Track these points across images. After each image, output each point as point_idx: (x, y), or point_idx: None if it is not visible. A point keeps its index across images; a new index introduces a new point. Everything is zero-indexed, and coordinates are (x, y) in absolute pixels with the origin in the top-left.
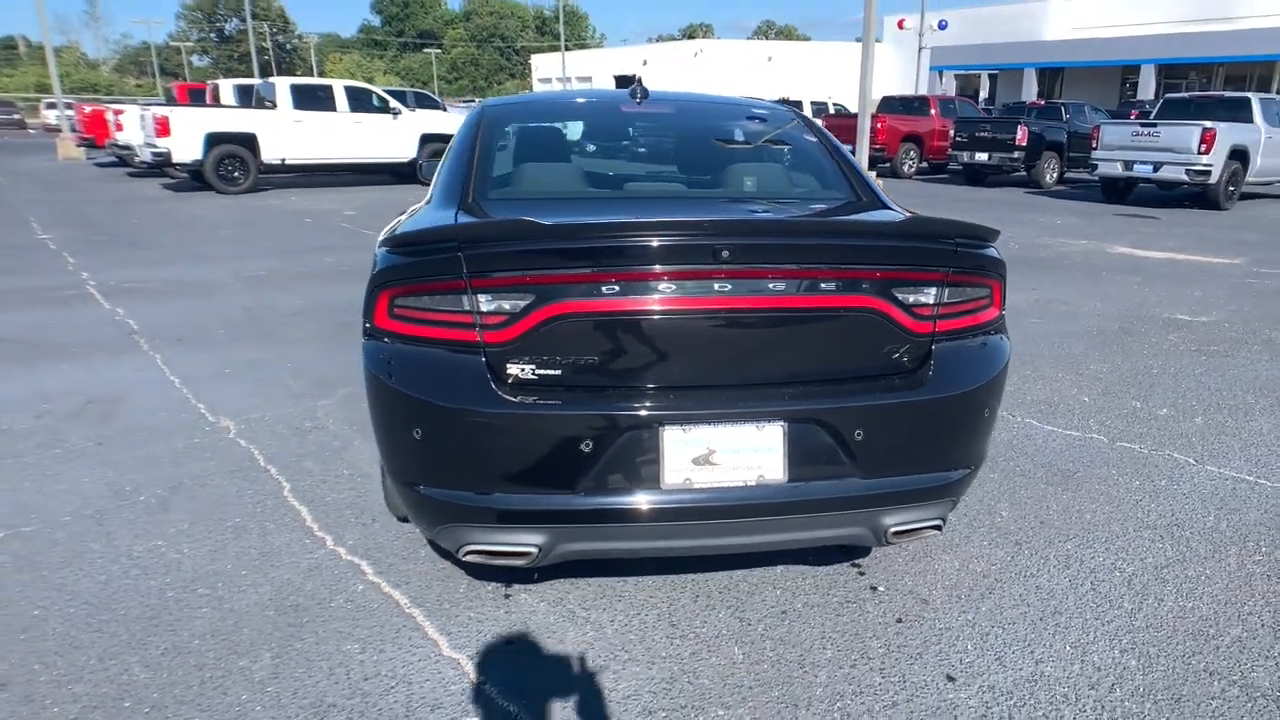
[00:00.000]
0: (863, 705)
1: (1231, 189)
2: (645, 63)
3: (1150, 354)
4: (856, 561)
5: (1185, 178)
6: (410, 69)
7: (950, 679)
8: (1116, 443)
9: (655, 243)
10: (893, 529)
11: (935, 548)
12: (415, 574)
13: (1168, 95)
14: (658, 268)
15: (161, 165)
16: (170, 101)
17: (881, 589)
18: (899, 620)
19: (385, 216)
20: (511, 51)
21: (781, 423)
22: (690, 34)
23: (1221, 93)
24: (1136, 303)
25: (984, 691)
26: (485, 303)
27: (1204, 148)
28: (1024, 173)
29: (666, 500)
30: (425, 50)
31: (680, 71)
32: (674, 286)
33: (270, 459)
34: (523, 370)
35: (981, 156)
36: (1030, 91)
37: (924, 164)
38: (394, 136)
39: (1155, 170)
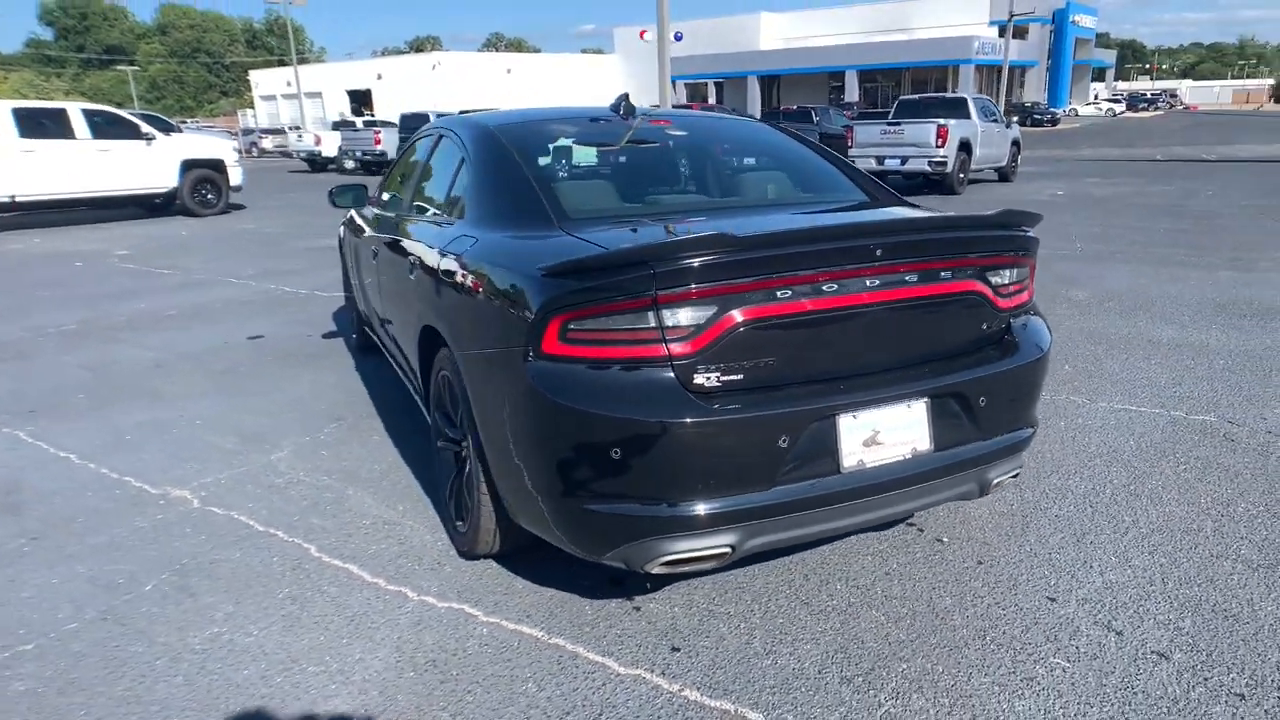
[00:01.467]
0: (1008, 633)
1: (962, 175)
2: (380, 76)
3: None
4: (910, 522)
5: (928, 168)
6: (99, 88)
7: (1051, 599)
8: None
9: (824, 246)
10: (994, 480)
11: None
12: (527, 607)
13: (901, 98)
14: (824, 269)
15: None
16: None
17: (945, 540)
18: (980, 563)
19: (169, 255)
20: (221, 67)
21: (925, 399)
22: (418, 46)
23: (943, 94)
24: None
25: (1081, 603)
26: (670, 317)
27: (940, 141)
28: None
29: (844, 483)
30: (116, 67)
31: (418, 84)
32: (836, 286)
33: (269, 522)
34: (709, 379)
35: None
36: (754, 98)
37: None
38: (148, 165)
39: (903, 163)
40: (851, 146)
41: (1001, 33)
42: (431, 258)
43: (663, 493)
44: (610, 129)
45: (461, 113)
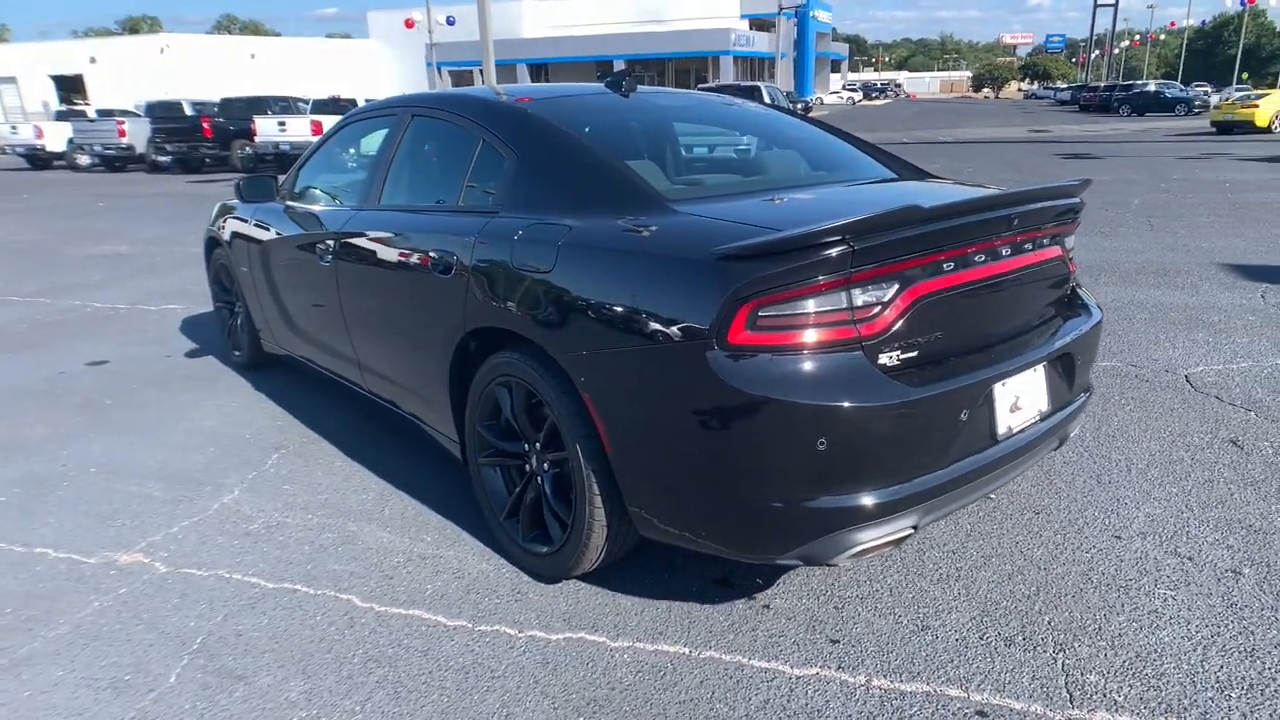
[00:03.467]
0: (1107, 573)
1: None
2: (94, 60)
3: None
4: None
5: (733, 155)
6: None
7: (1117, 537)
8: None
9: (985, 217)
10: (1071, 434)
11: None
12: (650, 624)
13: (699, 87)
14: (978, 240)
15: None
16: None
17: (994, 498)
18: (1036, 514)
19: None
20: None
21: (1044, 362)
22: (133, 28)
23: (738, 83)
24: None
25: (1143, 537)
26: (859, 296)
27: None
28: None
29: (999, 451)
30: None
31: (143, 70)
32: (984, 256)
33: (278, 577)
34: (891, 358)
35: None
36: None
37: None
38: None
39: (711, 151)
40: None
41: (753, 25)
42: (489, 251)
43: (859, 481)
44: (641, 105)
45: (257, 97)
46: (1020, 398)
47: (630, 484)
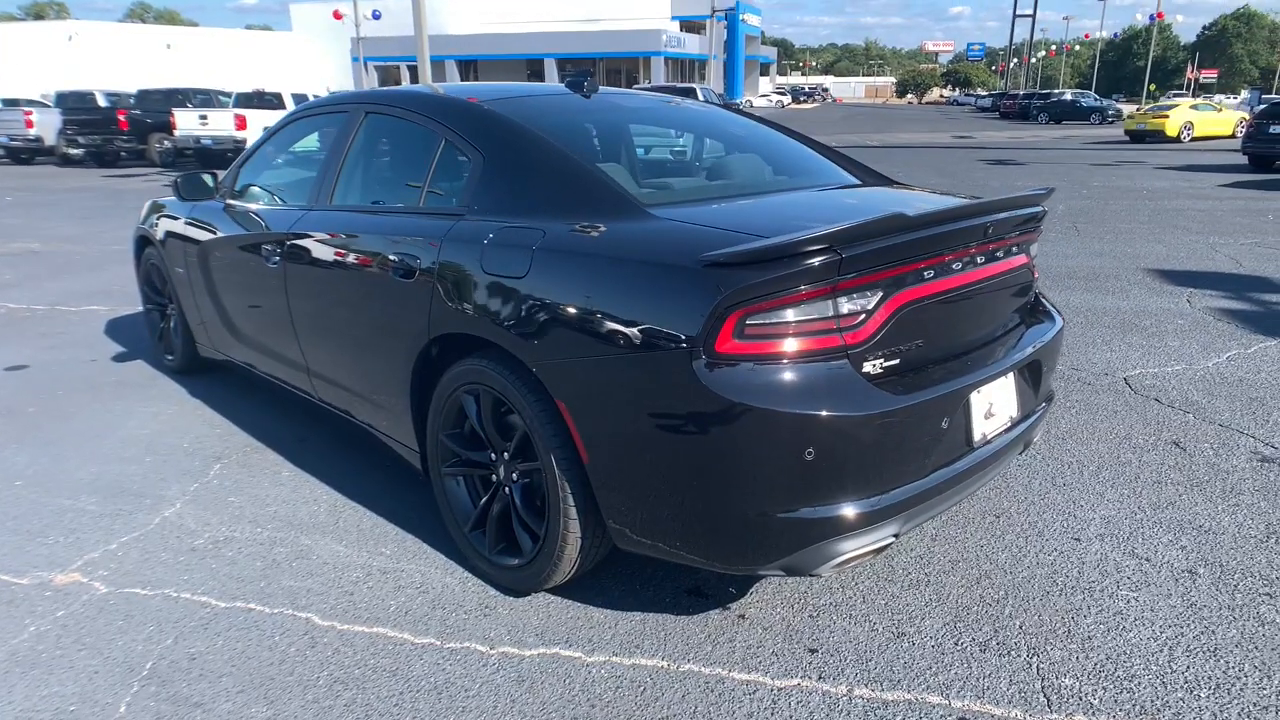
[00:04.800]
0: (1070, 575)
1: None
2: None
3: None
4: None
5: (669, 155)
6: None
7: (1076, 539)
8: None
9: (964, 225)
10: (1033, 440)
11: None
12: (624, 636)
13: (635, 89)
14: (957, 248)
15: None
16: None
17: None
18: (997, 517)
19: None
20: None
21: (1014, 369)
22: (38, 13)
23: (674, 84)
24: None
25: (1101, 539)
26: (845, 304)
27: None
28: None
29: (974, 458)
30: None
31: (47, 59)
32: (961, 264)
33: (229, 595)
34: (874, 366)
35: None
36: (454, 82)
37: None
38: None
39: (647, 152)
40: None
41: (684, 27)
42: (456, 255)
43: (844, 491)
44: (604, 106)
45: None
46: (993, 404)
47: (608, 495)
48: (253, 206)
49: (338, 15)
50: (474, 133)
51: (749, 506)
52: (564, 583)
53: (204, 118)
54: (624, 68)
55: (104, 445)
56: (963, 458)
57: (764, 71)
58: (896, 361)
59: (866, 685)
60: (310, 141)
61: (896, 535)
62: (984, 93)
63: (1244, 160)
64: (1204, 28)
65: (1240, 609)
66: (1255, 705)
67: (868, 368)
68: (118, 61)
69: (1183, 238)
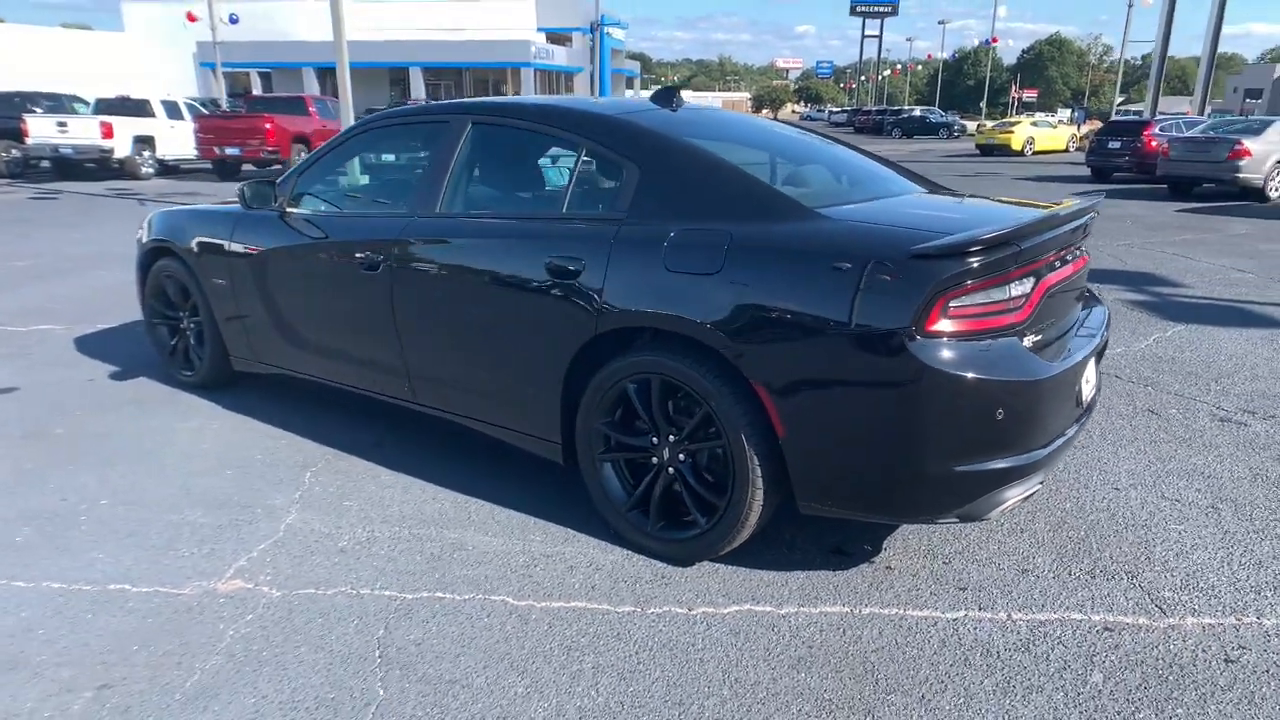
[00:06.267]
0: (1125, 514)
1: None
2: None
3: None
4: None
5: None
6: None
7: (1116, 489)
8: None
9: (1072, 225)
10: (1095, 405)
11: None
12: (798, 592)
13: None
14: (1071, 243)
15: None
16: None
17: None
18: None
19: None
20: None
21: (1094, 348)
22: None
23: (578, 96)
24: None
25: (1134, 488)
26: (1015, 288)
27: None
28: None
29: (1081, 416)
30: None
31: None
32: (1070, 256)
33: (411, 588)
34: (1029, 341)
35: None
36: (313, 90)
37: None
38: None
39: None
40: None
41: (550, 39)
42: (629, 256)
43: (1021, 444)
44: (699, 119)
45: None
46: (1087, 373)
47: (802, 464)
48: (331, 214)
49: (191, 17)
50: (622, 144)
51: (939, 464)
52: (731, 550)
53: (63, 124)
54: (492, 78)
55: (168, 461)
56: (1077, 418)
57: (629, 85)
58: (1039, 337)
59: (1020, 610)
60: (392, 152)
61: (1041, 483)
62: (835, 108)
63: (1087, 172)
64: (1023, 51)
65: (1263, 531)
66: None
67: (1027, 342)
68: None
69: None
